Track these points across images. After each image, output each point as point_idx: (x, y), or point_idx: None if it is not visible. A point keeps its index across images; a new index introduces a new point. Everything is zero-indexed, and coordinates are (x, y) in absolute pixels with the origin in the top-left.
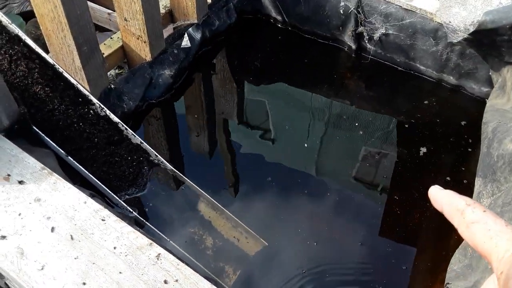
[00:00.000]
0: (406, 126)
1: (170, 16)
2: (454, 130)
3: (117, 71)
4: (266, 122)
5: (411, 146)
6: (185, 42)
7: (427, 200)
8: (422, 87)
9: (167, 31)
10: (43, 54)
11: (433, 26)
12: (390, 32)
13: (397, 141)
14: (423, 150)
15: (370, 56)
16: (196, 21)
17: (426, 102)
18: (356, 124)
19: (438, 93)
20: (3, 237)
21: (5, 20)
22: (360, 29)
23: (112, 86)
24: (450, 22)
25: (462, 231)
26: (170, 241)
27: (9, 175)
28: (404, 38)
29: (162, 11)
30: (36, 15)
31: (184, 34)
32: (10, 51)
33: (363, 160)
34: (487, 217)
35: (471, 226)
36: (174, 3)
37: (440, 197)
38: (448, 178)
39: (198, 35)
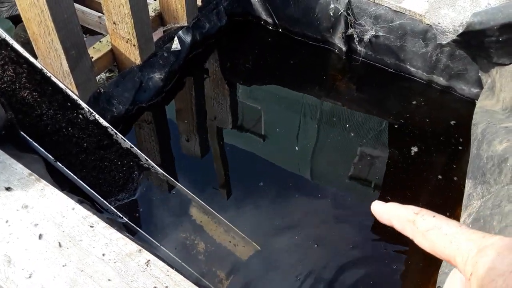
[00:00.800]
0: (397, 126)
1: (160, 19)
2: (444, 130)
3: (107, 74)
4: (258, 125)
5: (402, 146)
6: (175, 45)
7: (419, 199)
8: (413, 89)
9: (157, 34)
10: (31, 58)
11: (423, 28)
12: (380, 34)
13: (388, 141)
14: (414, 149)
15: (360, 58)
16: (186, 24)
17: (416, 103)
18: (347, 125)
19: (428, 94)
20: None
21: None
22: (350, 31)
23: (102, 90)
24: (439, 23)
25: (419, 241)
26: (162, 247)
27: None
28: (394, 39)
29: (152, 14)
30: (23, 19)
31: (174, 37)
32: None
33: (354, 161)
34: (439, 221)
35: (427, 234)
36: (164, 6)
37: (386, 211)
38: (439, 177)
39: (188, 38)
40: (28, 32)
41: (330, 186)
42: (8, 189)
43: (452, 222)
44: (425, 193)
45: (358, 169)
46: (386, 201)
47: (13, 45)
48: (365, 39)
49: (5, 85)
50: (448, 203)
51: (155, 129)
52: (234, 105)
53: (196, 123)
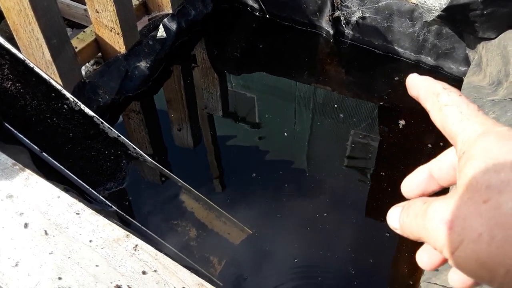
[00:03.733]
0: (386, 107)
1: (144, 7)
2: None
3: (94, 67)
4: (249, 112)
5: (392, 124)
6: (161, 33)
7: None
8: (401, 69)
9: (142, 23)
10: (13, 49)
11: (409, 7)
12: (367, 15)
13: (379, 121)
14: (402, 122)
15: (348, 41)
16: (171, 12)
17: (404, 83)
18: (338, 108)
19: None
20: None
21: None
22: (337, 13)
23: (87, 80)
24: (425, 1)
25: (434, 114)
26: (153, 234)
27: None
28: (380, 20)
29: (136, 2)
30: (2, 9)
31: (159, 25)
32: None
33: (347, 143)
34: (461, 101)
35: (444, 108)
36: None
37: (418, 82)
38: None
39: (173, 26)
40: (8, 22)
41: (323, 168)
42: None
43: (473, 105)
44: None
45: (350, 149)
46: (380, 178)
47: None
48: (352, 21)
49: None
50: None
51: (143, 119)
52: (224, 93)
53: (183, 111)
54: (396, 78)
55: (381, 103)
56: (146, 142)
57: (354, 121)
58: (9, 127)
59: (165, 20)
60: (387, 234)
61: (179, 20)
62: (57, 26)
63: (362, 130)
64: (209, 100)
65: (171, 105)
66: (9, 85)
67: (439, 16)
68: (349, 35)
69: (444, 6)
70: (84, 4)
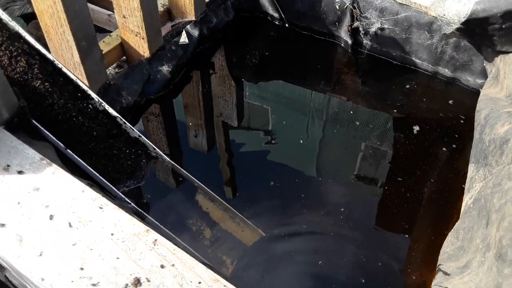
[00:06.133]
0: (403, 118)
1: (168, 14)
2: (450, 120)
3: (116, 70)
4: (264, 119)
5: (406, 131)
6: (183, 39)
7: (423, 182)
8: (418, 80)
9: (165, 29)
10: (43, 50)
11: (428, 20)
12: (386, 26)
13: (394, 129)
14: (416, 128)
15: (366, 51)
16: (194, 19)
17: (421, 94)
18: (354, 118)
19: (434, 85)
20: (2, 225)
21: (6, 18)
22: (356, 24)
23: (111, 81)
24: (444, 15)
25: None
26: (168, 232)
27: (8, 165)
28: (399, 32)
29: (160, 9)
30: (36, 11)
31: (182, 31)
32: (11, 47)
33: (362, 151)
34: None
35: None
36: (172, 1)
37: None
38: (445, 165)
39: (196, 32)
40: (40, 24)
41: (338, 175)
42: (20, 172)
43: None
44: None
45: (365, 161)
46: (393, 183)
47: (25, 37)
48: (370, 32)
49: (18, 75)
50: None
51: (162, 121)
52: (240, 100)
53: (202, 118)
54: (413, 88)
55: (396, 111)
56: (163, 144)
57: (369, 128)
58: (36, 124)
59: (188, 26)
60: (401, 239)
61: (201, 27)
62: (87, 29)
63: (377, 137)
64: (225, 107)
65: (189, 110)
66: (38, 84)
67: (458, 29)
68: (367, 45)
69: (463, 20)
70: (108, 9)
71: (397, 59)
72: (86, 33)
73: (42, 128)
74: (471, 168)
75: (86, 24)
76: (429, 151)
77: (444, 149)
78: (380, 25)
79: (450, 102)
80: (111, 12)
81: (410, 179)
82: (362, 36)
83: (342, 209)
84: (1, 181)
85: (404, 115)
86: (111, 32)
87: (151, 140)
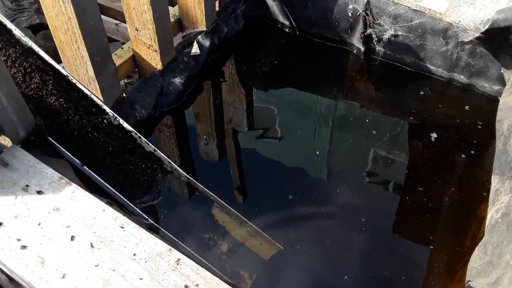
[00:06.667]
0: (417, 124)
1: (179, 24)
2: (466, 126)
3: (126, 80)
4: (275, 127)
5: (424, 138)
6: (195, 49)
7: (444, 189)
8: (433, 87)
9: (177, 39)
10: (57, 66)
11: (443, 26)
12: (399, 33)
13: (411, 136)
14: (434, 135)
15: (379, 58)
16: (205, 29)
17: (437, 100)
18: (367, 124)
19: (449, 91)
20: (24, 247)
21: (19, 34)
22: (369, 31)
23: (125, 95)
24: (459, 21)
25: None
26: (186, 247)
27: (27, 185)
28: (413, 38)
29: (171, 20)
30: (50, 27)
31: (193, 42)
32: (24, 63)
33: (376, 158)
34: None
35: None
36: (183, 12)
37: None
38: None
39: (207, 43)
40: (54, 40)
41: (352, 182)
42: (39, 192)
43: None
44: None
45: (379, 164)
46: (410, 193)
47: (39, 53)
48: (384, 39)
49: (32, 92)
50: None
51: (175, 133)
52: (251, 108)
53: (213, 126)
54: (427, 94)
55: (412, 118)
56: (178, 156)
57: (385, 136)
58: (53, 141)
59: (199, 37)
60: (422, 249)
61: (212, 37)
62: (102, 44)
63: (394, 145)
64: (235, 114)
65: (200, 119)
66: (53, 100)
67: (477, 38)
68: (380, 52)
69: (479, 26)
70: (115, 19)
71: (411, 66)
72: (101, 48)
73: (59, 145)
74: (495, 180)
75: (100, 39)
76: (448, 158)
77: (463, 156)
78: (393, 32)
79: (467, 108)
80: (119, 22)
81: (430, 188)
82: (375, 42)
83: (363, 220)
84: (21, 201)
85: (421, 122)
86: (118, 41)
87: (165, 152)
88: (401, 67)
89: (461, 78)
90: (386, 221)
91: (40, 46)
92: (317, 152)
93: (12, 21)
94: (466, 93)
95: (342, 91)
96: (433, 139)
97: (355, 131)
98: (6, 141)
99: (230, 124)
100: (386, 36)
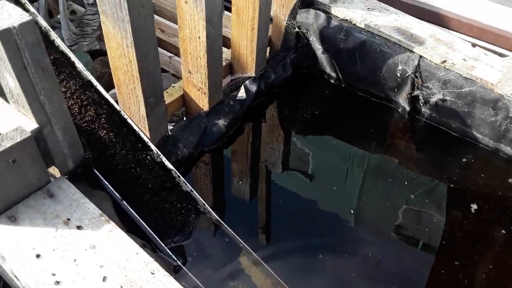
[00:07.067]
0: (458, 191)
1: (230, 68)
2: (509, 199)
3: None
4: (308, 171)
5: (463, 208)
6: (241, 94)
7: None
8: (477, 155)
9: (225, 81)
10: (112, 101)
11: (494, 97)
12: (448, 98)
13: (449, 203)
14: (474, 207)
15: (423, 119)
16: (253, 75)
17: (480, 169)
18: (405, 183)
19: (494, 162)
20: (58, 282)
21: (80, 67)
22: (416, 92)
23: (170, 133)
24: (511, 95)
25: None
26: None
27: (69, 219)
28: (461, 105)
29: (223, 63)
30: (111, 67)
31: (241, 86)
32: (82, 96)
33: (410, 218)
34: None
35: None
36: (235, 57)
37: None
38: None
39: (254, 88)
40: (113, 78)
41: (384, 242)
42: (79, 227)
43: None
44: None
45: (414, 227)
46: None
47: (97, 87)
48: (431, 102)
49: (85, 124)
50: None
51: (211, 171)
52: (286, 150)
53: (249, 165)
54: (470, 162)
55: (452, 185)
56: (210, 192)
57: (421, 197)
58: (98, 173)
59: (247, 82)
60: None
61: (260, 83)
62: (156, 87)
63: (429, 208)
64: (271, 155)
65: (237, 159)
66: (103, 133)
67: None
68: (426, 114)
69: None
70: (170, 51)
71: (457, 131)
72: (155, 91)
73: (103, 179)
74: None
75: (156, 82)
76: (488, 232)
77: (503, 231)
78: (441, 96)
79: (510, 181)
80: (172, 55)
81: (466, 263)
82: (422, 104)
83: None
84: (60, 235)
85: (461, 189)
86: (169, 72)
87: (200, 190)
88: (445, 131)
89: (508, 149)
90: (416, 276)
91: (96, 71)
92: (349, 200)
93: (74, 45)
94: (511, 165)
95: (382, 146)
96: (473, 210)
97: (390, 186)
98: (55, 171)
99: (265, 163)
100: (433, 99)
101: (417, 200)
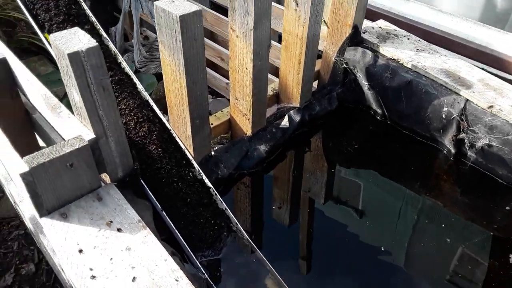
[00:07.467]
0: (501, 242)
1: (276, 98)
2: None
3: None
4: (352, 203)
5: (503, 259)
6: (285, 122)
7: None
8: None
9: (271, 110)
10: (164, 119)
11: None
12: (494, 144)
13: (491, 252)
14: None
15: (469, 163)
16: (298, 106)
17: None
18: (446, 227)
19: None
20: (93, 277)
21: (141, 88)
22: (462, 135)
23: (213, 153)
24: None
25: None
26: None
27: (111, 221)
28: (508, 152)
29: (270, 93)
30: (165, 89)
31: (285, 115)
32: (138, 114)
33: (451, 266)
34: None
35: None
36: (282, 88)
37: None
38: None
39: (297, 118)
40: (166, 99)
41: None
42: (119, 230)
43: None
44: None
45: (454, 275)
46: None
47: (152, 106)
48: (477, 146)
49: (138, 139)
50: None
51: (250, 193)
52: (330, 181)
53: (290, 192)
54: None
55: (494, 234)
56: (247, 215)
57: (461, 243)
58: (143, 184)
59: (291, 112)
60: None
61: (303, 113)
62: (203, 110)
63: (469, 256)
64: (314, 184)
65: (277, 184)
66: (153, 148)
67: None
68: (472, 158)
69: None
70: (226, 78)
71: (503, 178)
72: (201, 114)
73: (147, 189)
74: None
75: (202, 106)
76: None
77: None
78: (487, 142)
79: None
80: (229, 81)
81: None
82: (467, 147)
83: None
84: (102, 235)
85: (503, 238)
86: (225, 97)
87: (237, 211)
88: (491, 177)
89: None
90: None
91: (159, 92)
92: (389, 237)
93: (143, 67)
94: None
95: (426, 187)
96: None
97: (433, 228)
98: (106, 177)
99: (308, 193)
100: (479, 144)
101: (456, 245)
